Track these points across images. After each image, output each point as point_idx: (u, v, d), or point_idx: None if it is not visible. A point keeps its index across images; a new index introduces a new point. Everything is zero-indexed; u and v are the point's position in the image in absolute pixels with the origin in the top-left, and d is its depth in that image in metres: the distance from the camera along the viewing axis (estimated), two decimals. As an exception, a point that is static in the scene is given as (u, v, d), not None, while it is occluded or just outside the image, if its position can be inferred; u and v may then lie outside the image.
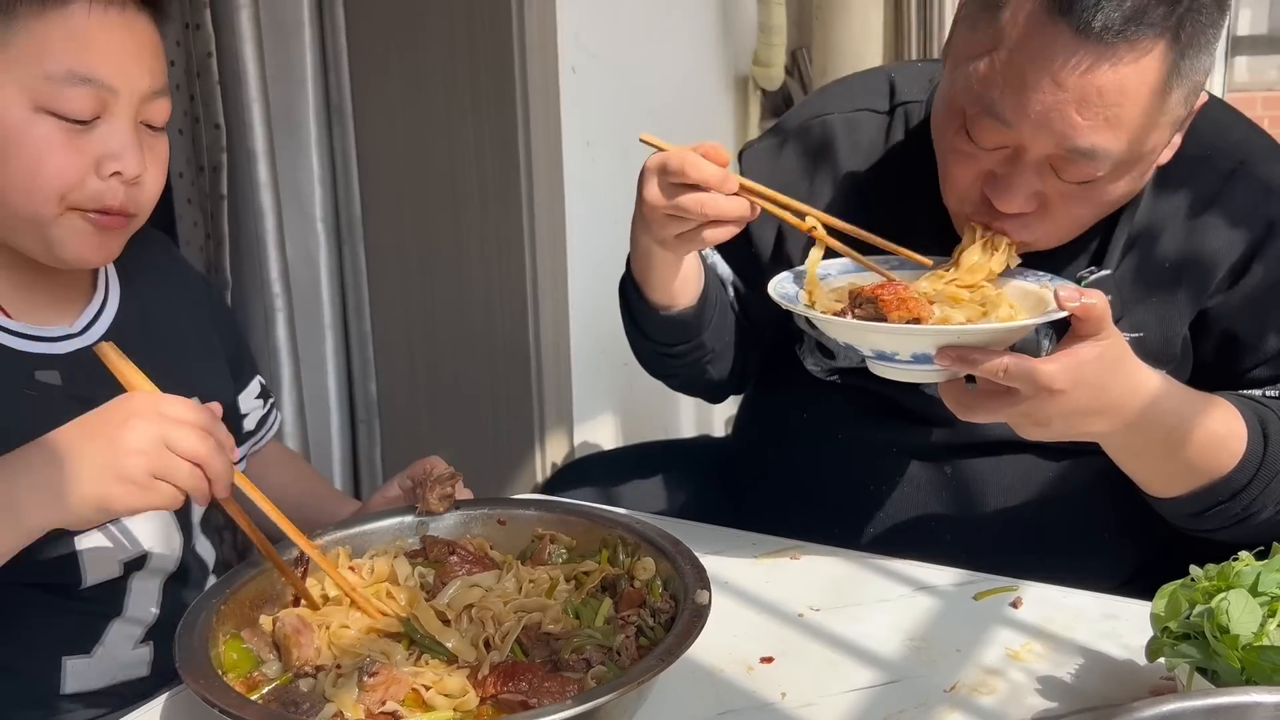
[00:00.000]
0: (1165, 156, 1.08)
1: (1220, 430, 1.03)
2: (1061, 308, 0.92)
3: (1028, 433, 0.99)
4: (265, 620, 0.96)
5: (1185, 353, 1.16)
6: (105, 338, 1.09)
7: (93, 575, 1.06)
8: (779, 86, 2.66)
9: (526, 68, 2.06)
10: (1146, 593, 1.07)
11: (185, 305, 1.23)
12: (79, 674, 1.08)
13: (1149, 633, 0.87)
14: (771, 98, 2.70)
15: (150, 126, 1.04)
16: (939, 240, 1.13)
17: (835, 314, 1.02)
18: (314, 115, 2.25)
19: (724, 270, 1.34)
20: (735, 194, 1.05)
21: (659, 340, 1.28)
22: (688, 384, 1.39)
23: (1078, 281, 1.14)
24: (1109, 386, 0.95)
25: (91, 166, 1.00)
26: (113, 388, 1.01)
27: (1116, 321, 1.10)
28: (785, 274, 1.12)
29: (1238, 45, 2.73)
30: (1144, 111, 0.98)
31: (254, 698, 0.88)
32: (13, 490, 0.88)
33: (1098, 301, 0.92)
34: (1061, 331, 0.98)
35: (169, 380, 1.12)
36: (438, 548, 1.05)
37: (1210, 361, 1.16)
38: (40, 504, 0.88)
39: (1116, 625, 1.03)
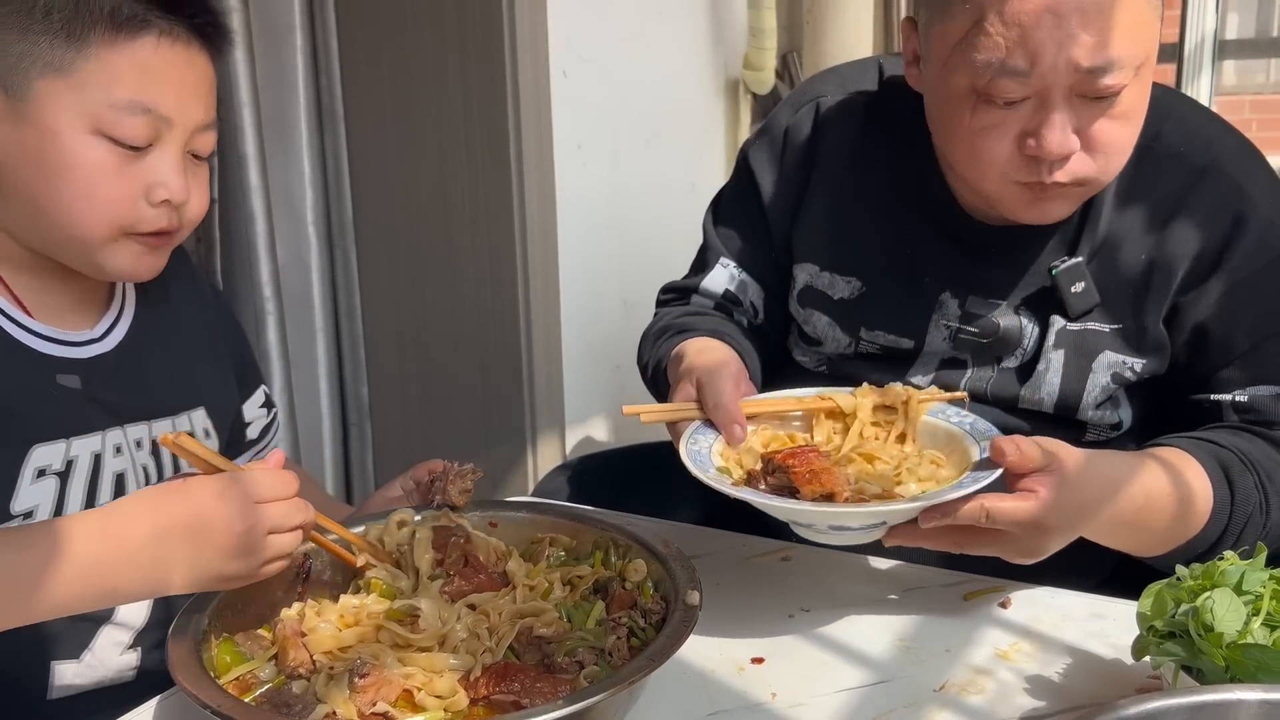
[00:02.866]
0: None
1: (1185, 493, 1.04)
2: (1000, 462, 0.95)
3: (1020, 562, 1.00)
4: (262, 625, 0.97)
5: (1162, 346, 1.17)
6: (123, 343, 1.13)
7: None
8: (770, 90, 2.66)
9: (517, 71, 2.07)
10: (1129, 590, 1.08)
11: (197, 313, 1.25)
12: (66, 678, 1.08)
13: (1135, 632, 0.88)
14: (762, 101, 2.71)
15: (195, 156, 1.08)
16: (940, 200, 1.20)
17: (744, 482, 1.03)
18: (305, 118, 2.25)
19: (753, 289, 1.38)
20: None
21: None
22: None
23: (1049, 272, 1.16)
24: (1085, 499, 0.97)
25: (142, 192, 1.03)
26: (129, 391, 1.07)
27: (1088, 312, 1.15)
28: (698, 428, 1.11)
29: (1225, 49, 2.75)
30: (1139, 2, 1.02)
31: (247, 700, 0.88)
32: (112, 578, 0.88)
33: (1025, 445, 0.94)
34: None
35: (178, 387, 1.16)
36: (455, 554, 1.04)
37: (1182, 361, 1.17)
38: (141, 592, 0.91)
39: (1103, 625, 1.03)
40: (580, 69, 2.20)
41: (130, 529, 0.88)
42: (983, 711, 0.92)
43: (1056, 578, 1.12)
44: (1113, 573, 1.24)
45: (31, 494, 1.04)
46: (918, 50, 1.15)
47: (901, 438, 1.11)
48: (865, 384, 1.13)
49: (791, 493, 0.98)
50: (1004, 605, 1.08)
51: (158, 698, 0.98)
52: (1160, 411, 1.24)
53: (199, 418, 1.19)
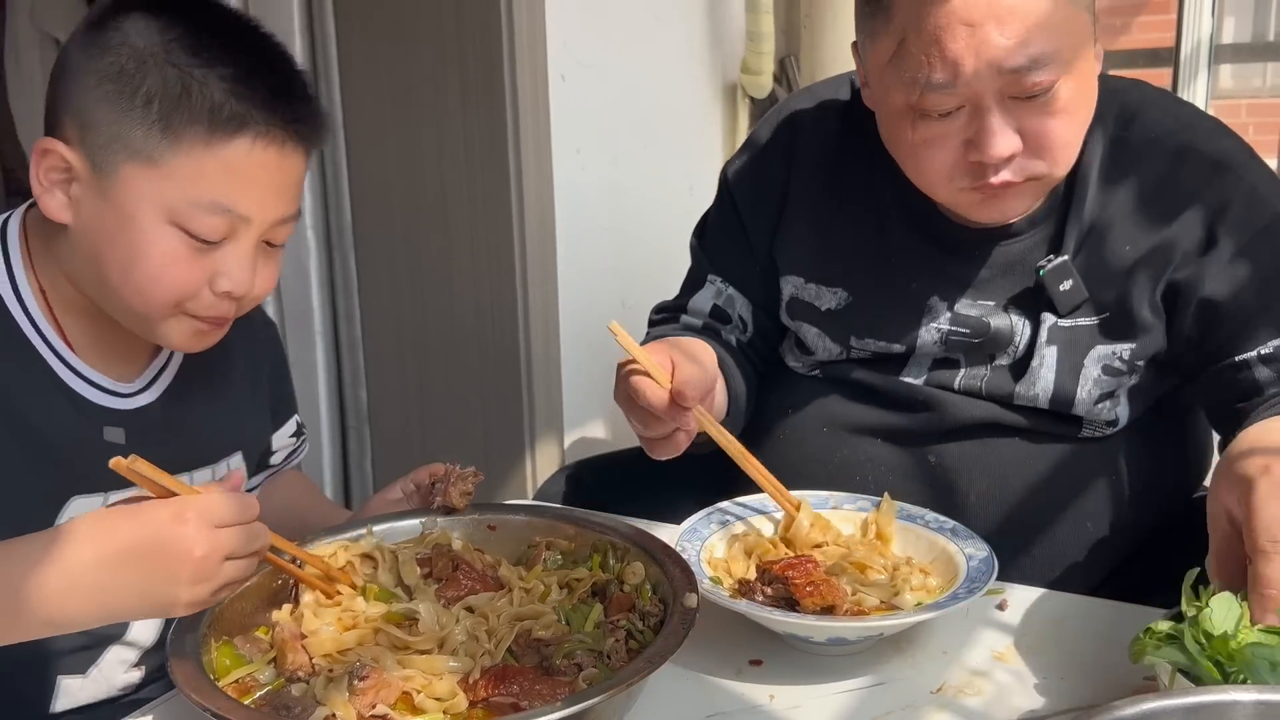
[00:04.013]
0: (1097, 67, 1.12)
1: None
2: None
3: None
4: (260, 628, 0.97)
5: (1151, 332, 1.18)
6: (169, 391, 1.13)
7: None
8: (768, 94, 2.67)
9: (516, 75, 2.07)
10: (1124, 593, 1.09)
11: (245, 349, 1.23)
12: (71, 693, 1.09)
13: (1132, 634, 0.88)
14: (760, 105, 2.71)
15: (269, 243, 1.06)
16: (918, 206, 1.20)
17: (737, 590, 1.04)
18: (304, 123, 2.25)
19: (740, 302, 1.38)
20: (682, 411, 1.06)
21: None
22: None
23: (1037, 272, 1.17)
24: None
25: (206, 280, 1.02)
26: (171, 444, 1.06)
27: (1078, 307, 1.16)
28: (685, 535, 1.11)
29: (1221, 53, 2.75)
30: (1053, 2, 1.03)
31: (246, 702, 0.88)
32: (51, 605, 0.85)
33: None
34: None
35: (220, 435, 1.16)
36: (443, 561, 1.05)
37: (1195, 337, 1.17)
38: (85, 619, 0.87)
39: (1100, 626, 1.04)
40: (578, 73, 2.20)
41: (73, 553, 0.84)
42: (980, 713, 0.92)
43: (1054, 573, 1.13)
44: (1106, 578, 1.24)
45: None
46: (864, 72, 1.18)
47: (880, 536, 1.13)
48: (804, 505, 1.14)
49: (790, 604, 0.99)
50: (1001, 607, 1.09)
51: (158, 701, 0.98)
52: (1157, 410, 1.25)
53: (235, 460, 1.19)
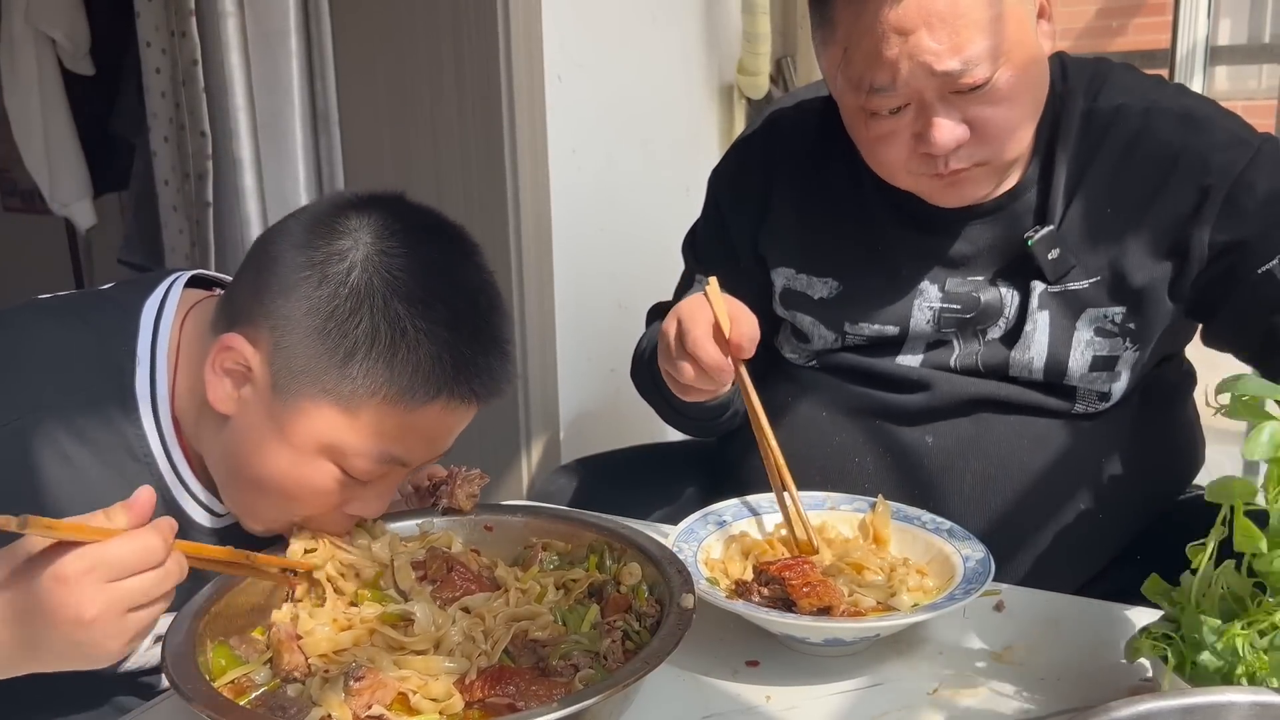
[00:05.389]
0: (1047, 45, 1.17)
1: None
2: None
3: None
4: (256, 629, 0.97)
5: (1147, 290, 1.19)
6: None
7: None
8: (764, 95, 2.67)
9: (512, 76, 2.07)
10: (1120, 594, 1.09)
11: None
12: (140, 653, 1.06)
13: (1128, 634, 0.88)
14: (757, 106, 2.71)
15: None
16: (900, 190, 1.23)
17: (734, 591, 1.04)
18: (300, 123, 2.25)
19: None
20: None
21: (694, 416, 1.36)
22: (706, 434, 1.48)
23: (1025, 243, 1.20)
24: None
25: (339, 505, 0.99)
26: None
27: (1068, 273, 1.19)
28: (682, 536, 1.11)
29: (1217, 55, 2.76)
30: (982, 1, 1.08)
31: (242, 703, 0.88)
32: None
33: None
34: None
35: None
36: (438, 563, 1.05)
37: (1215, 274, 1.17)
38: (38, 669, 0.84)
39: (1096, 627, 1.04)
40: (575, 74, 2.20)
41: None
42: (976, 714, 0.92)
43: (1049, 562, 1.13)
44: (1101, 571, 1.25)
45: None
46: (824, 75, 1.23)
47: (877, 539, 1.14)
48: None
49: (787, 605, 0.99)
50: (998, 608, 1.09)
51: (153, 701, 0.98)
52: (1153, 386, 1.26)
53: None
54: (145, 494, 0.83)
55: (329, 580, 1.00)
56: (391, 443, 0.95)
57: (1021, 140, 1.17)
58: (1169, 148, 1.17)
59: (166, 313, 1.03)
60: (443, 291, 0.95)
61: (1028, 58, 1.13)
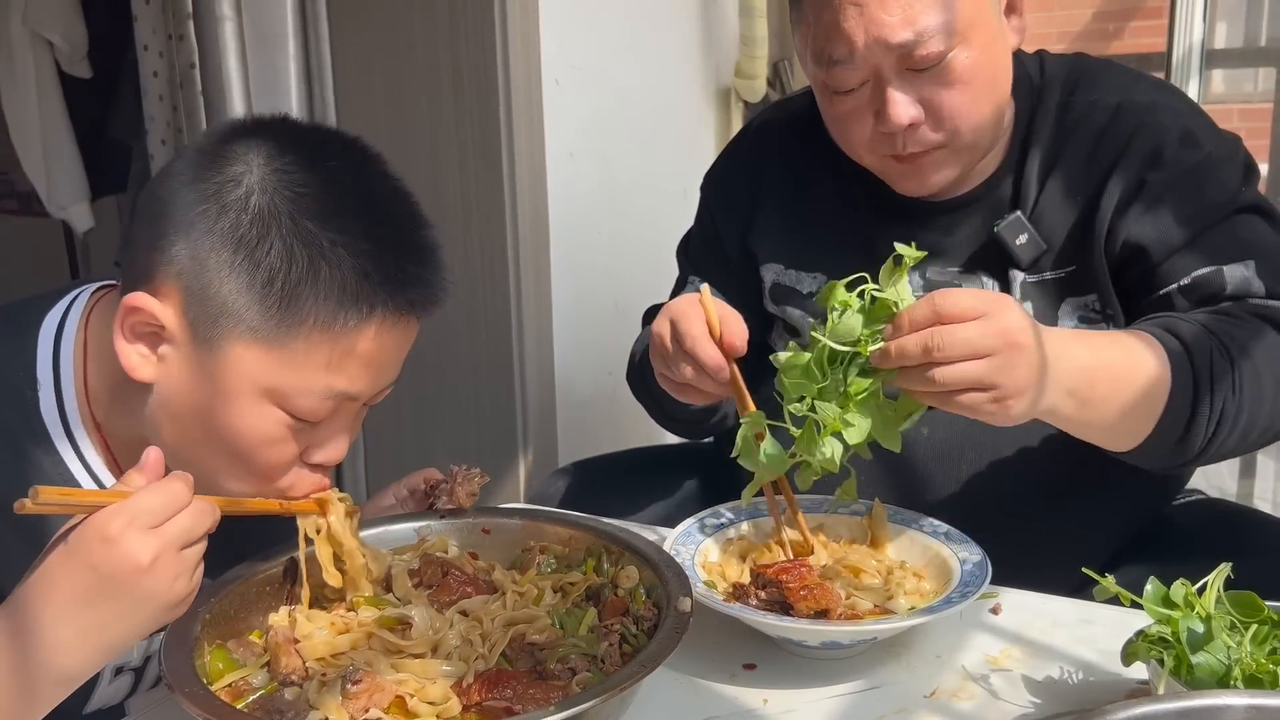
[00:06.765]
0: (1014, 39, 1.19)
1: (1139, 355, 1.04)
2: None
3: (1003, 393, 0.95)
4: (253, 632, 0.97)
5: (1105, 280, 1.20)
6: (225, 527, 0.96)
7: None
8: (761, 98, 2.67)
9: (510, 79, 2.07)
10: (1113, 596, 1.09)
11: None
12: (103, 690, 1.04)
13: (1125, 637, 0.88)
14: (754, 109, 2.72)
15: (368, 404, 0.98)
16: (881, 183, 1.25)
17: (731, 594, 1.04)
18: (298, 126, 2.25)
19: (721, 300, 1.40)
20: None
21: (684, 419, 1.38)
22: (696, 436, 1.49)
23: (993, 230, 1.21)
24: (1032, 323, 0.96)
25: (298, 457, 0.95)
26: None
27: (1039, 260, 1.21)
28: (679, 539, 1.11)
29: (1213, 58, 2.76)
30: None
31: (240, 706, 0.88)
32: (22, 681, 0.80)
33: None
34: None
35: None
36: (433, 568, 1.05)
37: (1132, 277, 1.19)
38: (103, 660, 0.82)
39: (1093, 630, 1.04)
40: (572, 77, 2.21)
41: (38, 617, 0.78)
42: (973, 717, 0.92)
43: (1042, 579, 1.13)
44: (1109, 559, 1.26)
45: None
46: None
47: (874, 542, 1.14)
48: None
49: (784, 608, 0.99)
50: (994, 611, 1.09)
51: (150, 703, 0.98)
52: None
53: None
54: (154, 454, 0.83)
55: (335, 538, 0.99)
56: (333, 374, 0.90)
57: (980, 127, 1.18)
58: (1131, 141, 1.19)
59: (69, 324, 0.98)
60: (353, 203, 0.90)
61: (987, 41, 1.15)
